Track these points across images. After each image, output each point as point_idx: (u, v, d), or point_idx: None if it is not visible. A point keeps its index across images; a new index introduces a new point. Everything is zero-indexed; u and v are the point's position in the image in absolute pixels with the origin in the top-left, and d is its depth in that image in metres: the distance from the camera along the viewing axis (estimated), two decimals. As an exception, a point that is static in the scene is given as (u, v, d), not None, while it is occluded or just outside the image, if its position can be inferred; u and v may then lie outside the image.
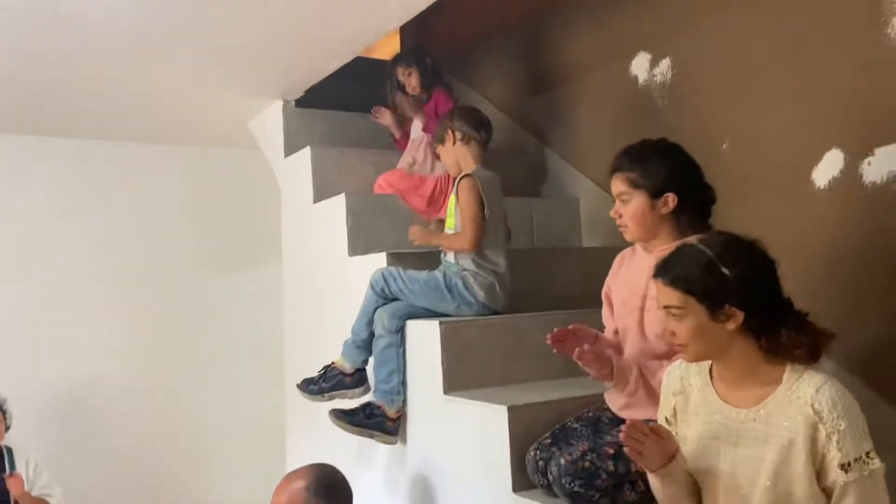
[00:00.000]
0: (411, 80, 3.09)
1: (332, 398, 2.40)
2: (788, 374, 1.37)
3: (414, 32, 3.88)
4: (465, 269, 2.31)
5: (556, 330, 1.76)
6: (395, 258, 2.48)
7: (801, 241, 2.13)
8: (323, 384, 2.40)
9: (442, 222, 2.54)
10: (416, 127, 3.05)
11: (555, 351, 1.76)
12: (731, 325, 1.37)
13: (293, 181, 3.18)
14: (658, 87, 2.68)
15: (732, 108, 2.40)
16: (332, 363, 2.43)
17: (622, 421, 1.66)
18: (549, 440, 1.80)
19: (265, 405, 3.59)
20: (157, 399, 3.60)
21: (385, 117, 3.18)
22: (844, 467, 1.30)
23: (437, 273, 2.34)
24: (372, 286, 2.35)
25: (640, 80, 2.76)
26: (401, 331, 2.31)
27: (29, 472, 2.77)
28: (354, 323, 2.39)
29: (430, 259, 2.44)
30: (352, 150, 3.11)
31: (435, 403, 2.18)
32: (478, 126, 2.46)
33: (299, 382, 2.44)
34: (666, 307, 1.41)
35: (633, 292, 1.79)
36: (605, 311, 1.95)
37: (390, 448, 2.39)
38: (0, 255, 3.38)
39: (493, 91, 3.63)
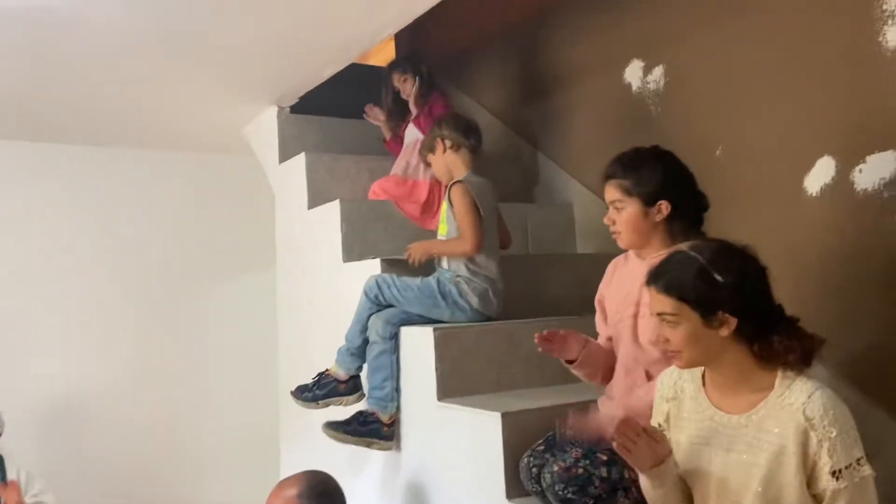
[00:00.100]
0: (406, 87, 3.10)
1: (326, 405, 2.40)
2: (780, 380, 1.38)
3: (409, 39, 3.89)
4: (458, 276, 2.32)
5: (546, 331, 1.78)
6: (390, 265, 2.48)
7: (793, 248, 2.14)
8: (317, 391, 2.40)
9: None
10: (411, 131, 3.06)
11: (539, 349, 1.77)
12: (724, 332, 1.37)
13: (287, 187, 3.18)
14: (651, 95, 2.70)
15: (725, 115, 2.41)
16: (327, 370, 2.43)
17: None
18: (542, 447, 1.80)
19: (259, 412, 3.57)
20: (151, 406, 3.58)
21: (376, 116, 3.18)
22: (835, 474, 1.30)
23: (431, 280, 2.34)
24: (366, 293, 2.35)
25: (634, 88, 2.77)
26: (395, 337, 2.31)
27: (21, 479, 2.75)
28: (348, 330, 2.39)
29: (424, 266, 2.44)
30: (346, 157, 3.11)
31: (429, 410, 2.18)
32: (467, 132, 2.47)
33: (293, 390, 2.44)
34: (659, 314, 1.42)
35: (627, 299, 1.80)
36: (598, 318, 1.96)
37: (384, 455, 2.38)
38: (-8, 261, 3.37)
39: (487, 98, 3.64)
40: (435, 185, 2.84)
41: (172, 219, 3.72)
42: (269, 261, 3.45)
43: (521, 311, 2.45)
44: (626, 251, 1.89)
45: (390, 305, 2.34)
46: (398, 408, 2.32)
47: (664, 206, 1.74)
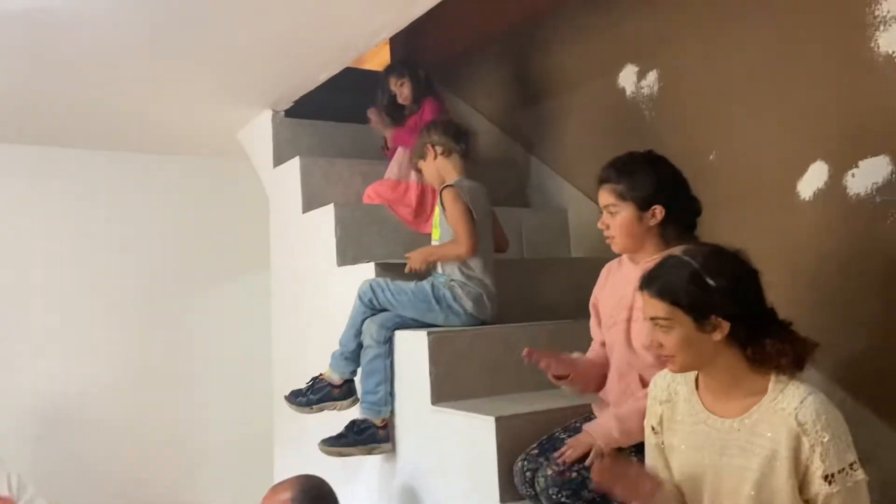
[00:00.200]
0: (403, 91, 3.10)
1: (320, 410, 2.39)
2: (773, 384, 1.38)
3: (404, 43, 3.90)
4: (452, 280, 2.32)
5: (536, 352, 1.78)
6: (384, 269, 2.48)
7: (786, 252, 2.15)
8: (311, 396, 2.39)
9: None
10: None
11: (526, 362, 1.77)
12: (717, 336, 1.38)
13: (282, 191, 3.18)
14: (645, 100, 2.71)
15: (719, 120, 2.42)
16: (321, 375, 2.42)
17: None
18: (536, 450, 1.80)
19: (253, 416, 3.56)
20: (144, 409, 3.57)
21: (380, 122, 3.18)
22: (828, 479, 1.30)
23: (426, 284, 2.34)
24: (360, 297, 2.35)
25: (628, 93, 2.78)
26: (389, 341, 2.31)
27: (12, 485, 2.73)
28: (342, 334, 2.39)
29: (421, 269, 2.43)
30: (341, 161, 3.11)
31: (423, 414, 2.18)
32: (457, 137, 2.46)
33: (287, 394, 2.43)
34: (652, 319, 1.42)
35: (620, 303, 1.80)
36: (592, 322, 1.96)
37: (378, 459, 2.38)
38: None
39: (482, 102, 3.65)
40: (427, 187, 2.84)
41: (167, 222, 3.72)
42: (264, 265, 3.44)
43: (515, 316, 2.45)
44: (619, 256, 1.89)
45: (384, 309, 2.34)
46: (392, 412, 2.31)
47: (658, 211, 1.74)
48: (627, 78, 2.78)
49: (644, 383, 1.72)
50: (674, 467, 1.51)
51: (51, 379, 3.40)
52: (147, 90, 2.92)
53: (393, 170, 2.97)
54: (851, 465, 1.32)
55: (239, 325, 3.76)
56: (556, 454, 1.67)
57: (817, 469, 1.31)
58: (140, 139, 3.57)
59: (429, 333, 2.17)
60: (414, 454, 2.25)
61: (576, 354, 1.90)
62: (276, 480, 2.19)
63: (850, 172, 2.04)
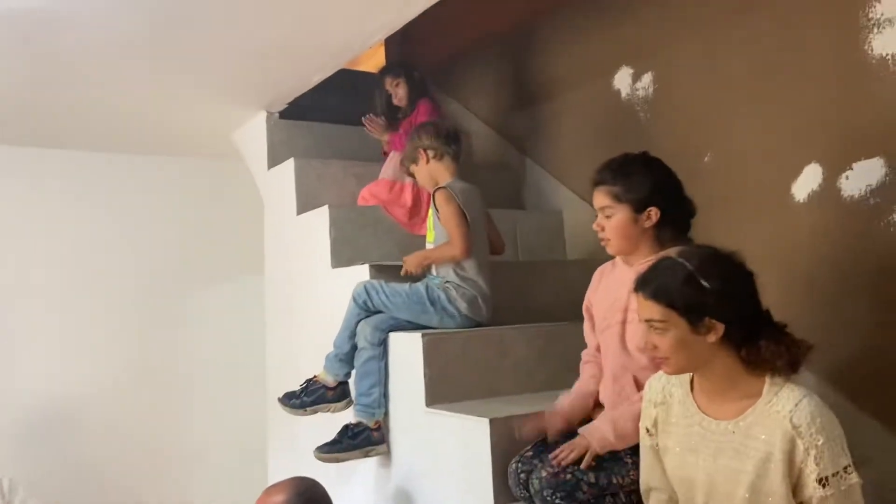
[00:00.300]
0: (399, 91, 3.11)
1: (314, 412, 2.38)
2: (768, 387, 1.38)
3: (399, 45, 3.90)
4: (447, 282, 2.31)
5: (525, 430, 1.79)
6: (378, 270, 2.47)
7: (780, 254, 2.15)
8: (305, 398, 2.38)
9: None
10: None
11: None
12: (711, 338, 1.38)
13: (276, 193, 3.17)
14: (640, 102, 2.71)
15: (714, 122, 2.43)
16: (315, 377, 2.41)
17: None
18: (530, 452, 1.79)
19: (247, 418, 3.56)
20: (138, 412, 3.56)
21: (377, 128, 3.18)
22: (822, 482, 1.30)
23: (420, 286, 2.33)
24: (354, 299, 2.34)
25: (623, 95, 2.78)
26: (383, 343, 2.30)
27: (3, 489, 2.72)
28: (337, 336, 2.38)
29: (417, 273, 2.43)
30: (335, 162, 3.11)
31: (417, 416, 2.17)
32: (448, 140, 2.46)
33: (280, 396, 2.42)
34: (647, 321, 1.42)
35: (614, 306, 1.80)
36: (586, 325, 1.96)
37: (373, 461, 2.37)
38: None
39: (477, 104, 3.65)
40: (422, 188, 2.84)
41: (160, 223, 3.71)
42: (258, 266, 3.43)
43: (510, 318, 2.45)
44: (614, 258, 1.89)
45: (379, 311, 2.33)
46: (386, 414, 2.30)
47: (653, 213, 1.74)
48: (623, 80, 2.78)
49: (639, 386, 1.72)
50: (668, 469, 1.51)
51: (45, 380, 3.38)
52: (142, 91, 2.92)
53: (387, 171, 2.97)
54: (846, 468, 1.32)
55: (233, 326, 3.75)
56: (550, 456, 1.67)
57: (811, 472, 1.31)
58: (135, 140, 3.56)
59: (423, 335, 2.16)
60: (408, 456, 2.25)
61: (561, 398, 1.88)
62: (271, 482, 2.19)
63: (844, 174, 2.05)
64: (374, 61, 3.94)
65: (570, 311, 2.15)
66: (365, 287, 2.33)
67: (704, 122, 2.45)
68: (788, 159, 2.18)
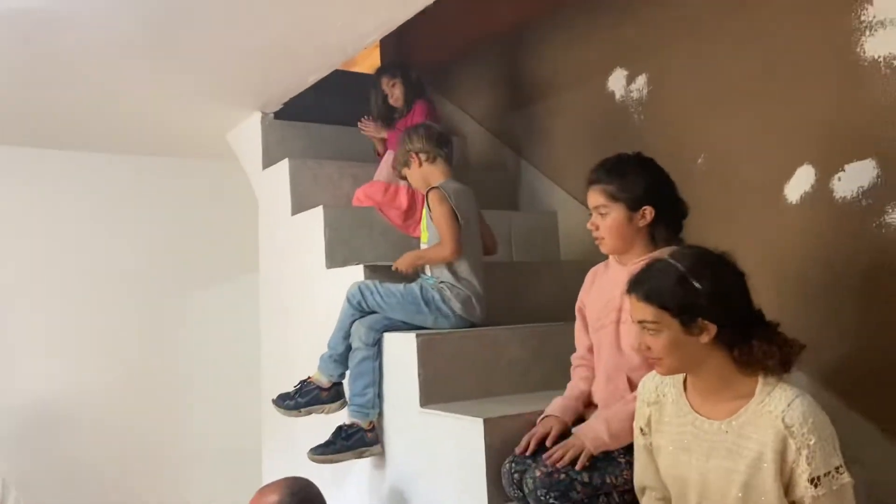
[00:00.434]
0: (395, 91, 3.11)
1: (308, 413, 2.38)
2: (761, 387, 1.39)
3: (395, 47, 3.91)
4: (442, 282, 2.31)
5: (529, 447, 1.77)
6: (373, 271, 2.47)
7: (773, 255, 2.16)
8: (299, 399, 2.38)
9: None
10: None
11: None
12: (704, 338, 1.38)
13: (271, 193, 3.17)
14: (634, 103, 2.72)
15: (707, 123, 2.44)
16: (309, 377, 2.41)
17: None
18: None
19: (241, 419, 3.54)
20: (132, 413, 3.55)
21: (371, 129, 3.18)
22: (814, 482, 1.31)
23: (414, 286, 2.33)
24: (349, 300, 2.34)
25: (617, 96, 2.79)
26: (377, 343, 2.30)
27: (-5, 491, 2.71)
28: (331, 337, 2.38)
29: (411, 273, 2.43)
30: (330, 163, 3.10)
31: (411, 416, 2.17)
32: (439, 142, 2.45)
33: (275, 398, 2.42)
34: (640, 322, 1.43)
35: (608, 306, 1.80)
36: (578, 326, 1.96)
37: (367, 461, 2.37)
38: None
39: (472, 105, 3.66)
40: (417, 191, 2.84)
41: (155, 224, 3.70)
42: (252, 267, 3.43)
43: (504, 318, 2.45)
44: (607, 258, 1.90)
45: (373, 312, 2.33)
46: (380, 414, 2.30)
47: (648, 212, 1.75)
48: (617, 82, 2.79)
49: (632, 385, 1.72)
50: (661, 469, 1.51)
51: (39, 380, 3.37)
52: (138, 91, 2.91)
53: (382, 172, 2.97)
54: (837, 468, 1.32)
55: (228, 327, 3.74)
56: (544, 456, 1.67)
57: (803, 472, 1.31)
58: (131, 141, 3.55)
59: (417, 335, 2.16)
60: (403, 456, 2.25)
61: (554, 403, 1.88)
62: (265, 483, 2.18)
63: (836, 176, 2.06)
64: (369, 62, 3.95)
65: (565, 312, 2.16)
66: (359, 287, 2.33)
67: (698, 124, 2.46)
68: (781, 161, 2.19)
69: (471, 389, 2.20)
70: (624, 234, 1.77)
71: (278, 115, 3.26)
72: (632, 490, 1.63)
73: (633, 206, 1.75)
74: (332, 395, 2.38)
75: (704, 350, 1.39)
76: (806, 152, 2.14)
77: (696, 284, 1.38)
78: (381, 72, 3.20)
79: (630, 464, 1.63)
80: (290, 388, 2.42)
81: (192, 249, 3.75)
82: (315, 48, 2.60)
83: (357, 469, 2.45)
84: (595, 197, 1.80)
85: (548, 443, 1.74)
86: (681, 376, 1.51)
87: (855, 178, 2.02)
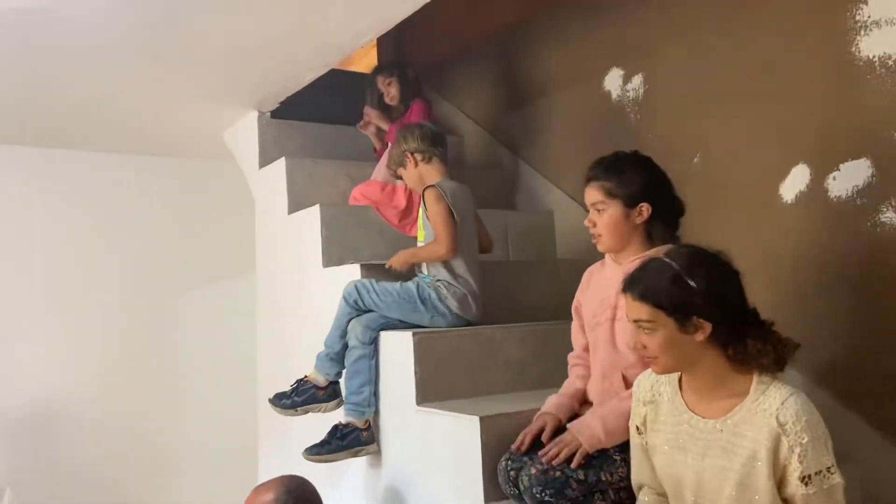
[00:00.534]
0: (391, 90, 3.11)
1: (305, 412, 2.38)
2: (755, 385, 1.39)
3: (391, 46, 3.91)
4: (438, 280, 2.32)
5: (524, 443, 1.77)
6: (369, 270, 2.47)
7: (768, 254, 2.17)
8: (296, 398, 2.38)
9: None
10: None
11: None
12: (699, 337, 1.39)
13: (267, 192, 3.17)
14: (631, 103, 2.72)
15: (703, 123, 2.44)
16: (305, 376, 2.40)
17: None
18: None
19: (237, 418, 3.54)
20: (128, 412, 3.55)
21: (369, 128, 3.19)
22: (804, 480, 1.31)
23: (411, 284, 2.33)
24: (345, 298, 2.34)
25: (614, 96, 2.79)
26: (374, 342, 2.30)
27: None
28: (328, 335, 2.38)
29: (405, 271, 2.43)
30: (327, 162, 3.10)
31: (408, 415, 2.17)
32: (434, 142, 2.45)
33: (271, 397, 2.42)
34: (636, 321, 1.43)
35: (604, 303, 1.81)
36: (574, 326, 1.97)
37: (363, 460, 2.37)
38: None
39: (469, 105, 3.66)
40: (414, 191, 2.84)
41: (152, 223, 3.70)
42: (249, 266, 3.43)
43: (501, 317, 2.46)
44: (603, 258, 1.91)
45: (370, 310, 2.33)
46: (376, 412, 2.31)
47: (645, 209, 1.76)
48: (613, 81, 2.80)
49: (627, 383, 1.72)
50: (657, 467, 1.52)
51: (35, 380, 3.37)
52: (134, 90, 2.91)
53: (380, 171, 2.97)
54: (829, 468, 1.32)
55: (224, 326, 3.74)
56: (540, 453, 1.68)
57: (795, 470, 1.31)
58: (127, 140, 3.55)
59: (414, 334, 2.17)
60: (399, 455, 2.25)
61: (550, 400, 1.88)
62: (261, 481, 2.18)
63: (831, 175, 2.07)
64: (366, 61, 3.95)
65: (561, 311, 2.16)
66: (356, 286, 2.33)
67: (694, 124, 2.47)
68: (776, 160, 2.20)
69: (467, 388, 2.21)
70: (621, 231, 1.77)
71: (275, 114, 3.26)
72: (627, 487, 1.64)
73: (630, 203, 1.76)
74: (328, 393, 2.38)
75: (699, 349, 1.40)
76: (801, 152, 2.14)
77: (691, 283, 1.38)
78: (377, 70, 3.20)
79: (625, 461, 1.64)
80: (286, 387, 2.42)
81: (188, 248, 3.75)
82: (312, 47, 2.60)
83: (353, 468, 2.45)
84: (592, 193, 1.80)
85: (543, 439, 1.75)
86: (676, 375, 1.51)
87: (850, 177, 2.02)
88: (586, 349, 1.91)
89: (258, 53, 2.62)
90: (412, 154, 2.45)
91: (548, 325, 2.39)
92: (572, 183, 2.95)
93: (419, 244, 2.44)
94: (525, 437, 1.77)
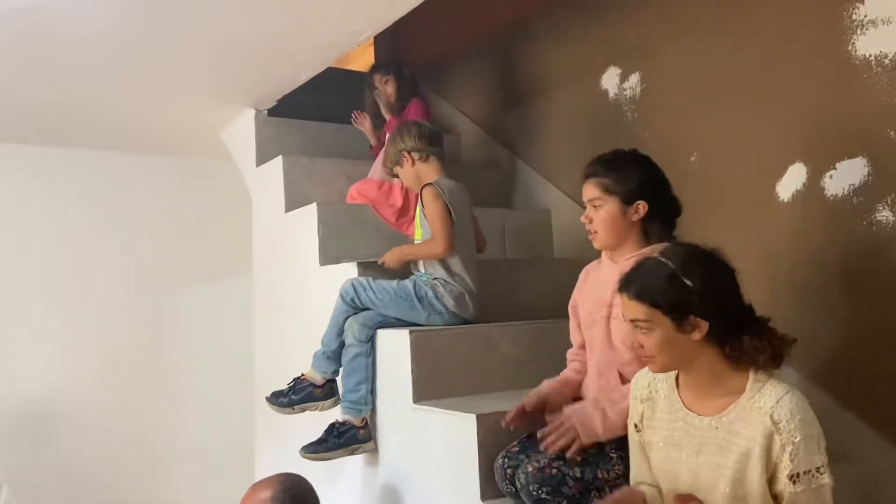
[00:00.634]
0: (387, 89, 3.11)
1: (302, 410, 2.38)
2: (751, 383, 1.39)
3: (388, 44, 3.91)
4: (435, 278, 2.32)
5: (511, 417, 1.79)
6: (366, 268, 2.48)
7: (765, 252, 2.18)
8: (293, 396, 2.38)
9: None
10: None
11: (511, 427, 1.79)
12: (696, 335, 1.39)
13: (264, 190, 3.17)
14: (628, 101, 2.72)
15: (700, 122, 2.44)
16: (302, 375, 2.40)
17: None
18: (517, 448, 1.80)
19: (234, 416, 3.55)
20: (125, 411, 3.54)
21: (364, 124, 3.19)
22: (793, 478, 1.31)
23: (408, 283, 2.33)
24: (342, 296, 2.34)
25: (611, 94, 2.80)
26: (371, 340, 2.31)
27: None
28: (325, 333, 2.38)
29: (399, 269, 2.44)
30: (324, 160, 3.10)
31: (405, 413, 2.18)
32: (431, 140, 2.46)
33: (268, 395, 2.42)
34: (632, 321, 1.43)
35: (600, 301, 1.81)
36: (571, 324, 1.97)
37: (360, 458, 2.37)
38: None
39: (466, 104, 3.66)
40: (411, 189, 2.84)
41: (148, 221, 3.69)
42: (246, 264, 3.43)
43: (497, 315, 2.46)
44: (598, 257, 1.91)
45: (367, 308, 2.33)
46: (373, 410, 2.31)
47: (641, 206, 1.76)
48: (610, 80, 2.80)
49: (624, 380, 1.73)
50: (652, 463, 1.52)
51: (26, 382, 3.35)
52: (131, 88, 2.90)
53: (377, 169, 2.97)
54: (819, 468, 1.32)
55: (221, 324, 3.74)
56: (539, 434, 1.68)
57: (785, 468, 1.31)
58: (125, 138, 3.54)
59: (411, 332, 2.17)
60: (395, 453, 2.25)
61: (545, 383, 1.89)
62: (258, 479, 2.18)
63: (827, 174, 2.07)
64: (364, 60, 3.95)
65: (558, 309, 2.17)
66: (353, 284, 2.33)
67: (691, 122, 2.47)
68: (773, 159, 2.20)
69: (464, 386, 2.21)
70: (617, 227, 1.77)
71: (272, 112, 3.26)
72: (623, 484, 1.64)
73: (627, 200, 1.76)
74: (325, 392, 2.38)
75: (696, 347, 1.40)
76: (797, 151, 2.15)
77: (687, 282, 1.38)
78: (374, 69, 3.20)
79: (622, 459, 1.64)
80: (283, 386, 2.42)
81: (185, 246, 3.74)
82: (309, 46, 2.60)
83: (350, 465, 2.45)
84: (590, 190, 1.80)
85: (525, 405, 1.78)
86: (673, 373, 1.52)
87: (846, 176, 2.03)
88: (583, 347, 1.92)
89: (255, 52, 2.62)
90: (409, 153, 2.45)
91: (544, 324, 2.39)
92: (569, 182, 2.96)
93: (416, 242, 2.44)
94: (514, 410, 1.80)
